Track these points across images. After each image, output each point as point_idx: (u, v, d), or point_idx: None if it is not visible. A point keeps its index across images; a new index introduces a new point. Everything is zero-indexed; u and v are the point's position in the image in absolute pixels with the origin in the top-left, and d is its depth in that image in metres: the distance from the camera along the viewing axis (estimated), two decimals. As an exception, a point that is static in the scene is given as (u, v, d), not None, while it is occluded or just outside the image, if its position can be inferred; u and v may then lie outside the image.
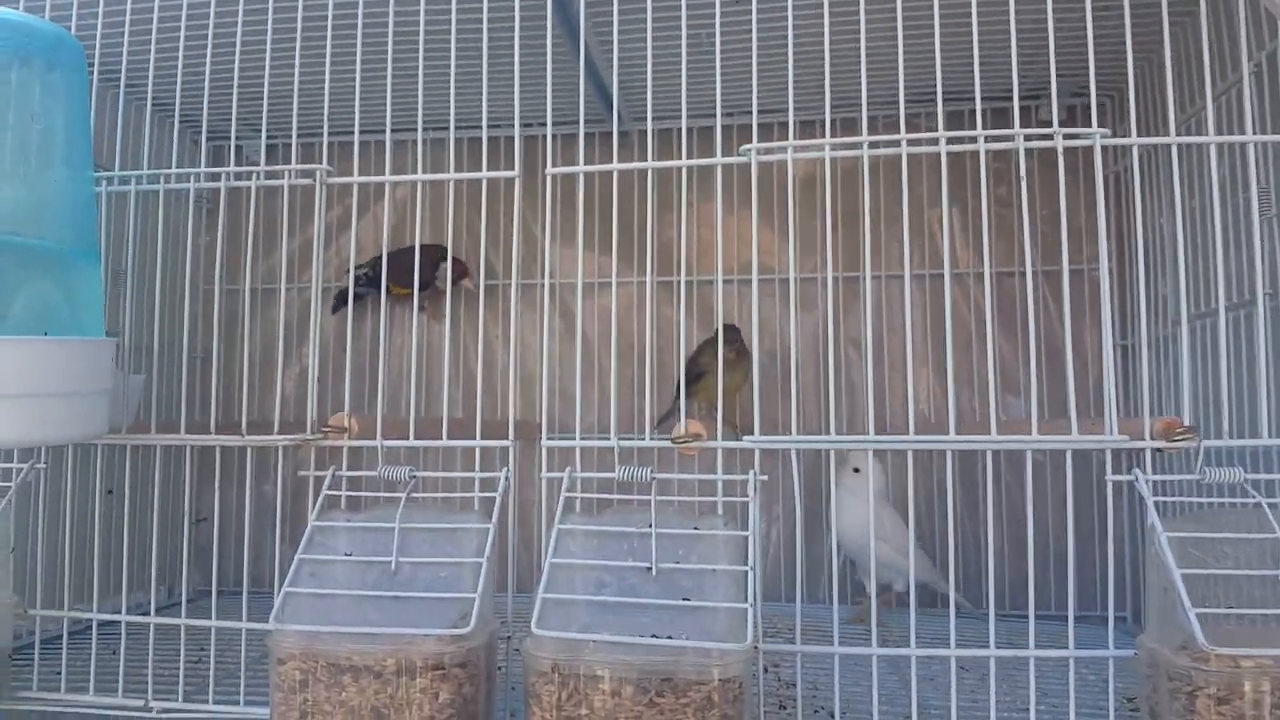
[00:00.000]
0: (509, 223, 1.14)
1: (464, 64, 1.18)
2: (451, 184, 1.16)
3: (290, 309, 1.75)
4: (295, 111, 1.18)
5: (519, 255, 1.17)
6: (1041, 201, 1.28)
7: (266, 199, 1.20)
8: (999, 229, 1.67)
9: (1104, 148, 1.06)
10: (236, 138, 1.24)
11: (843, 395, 1.72)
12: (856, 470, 1.50)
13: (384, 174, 1.18)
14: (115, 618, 1.14)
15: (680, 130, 1.15)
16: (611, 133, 1.12)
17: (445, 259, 1.64)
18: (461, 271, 1.68)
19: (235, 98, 1.19)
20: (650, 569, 0.96)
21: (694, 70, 1.13)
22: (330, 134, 1.24)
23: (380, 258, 1.73)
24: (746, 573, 0.95)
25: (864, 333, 1.66)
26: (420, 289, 1.61)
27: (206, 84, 1.21)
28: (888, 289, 1.78)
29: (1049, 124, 1.06)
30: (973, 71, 1.06)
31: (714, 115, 1.10)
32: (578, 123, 1.12)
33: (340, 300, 1.80)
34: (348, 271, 1.73)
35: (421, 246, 1.27)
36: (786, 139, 1.08)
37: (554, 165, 1.15)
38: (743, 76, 1.17)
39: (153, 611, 1.13)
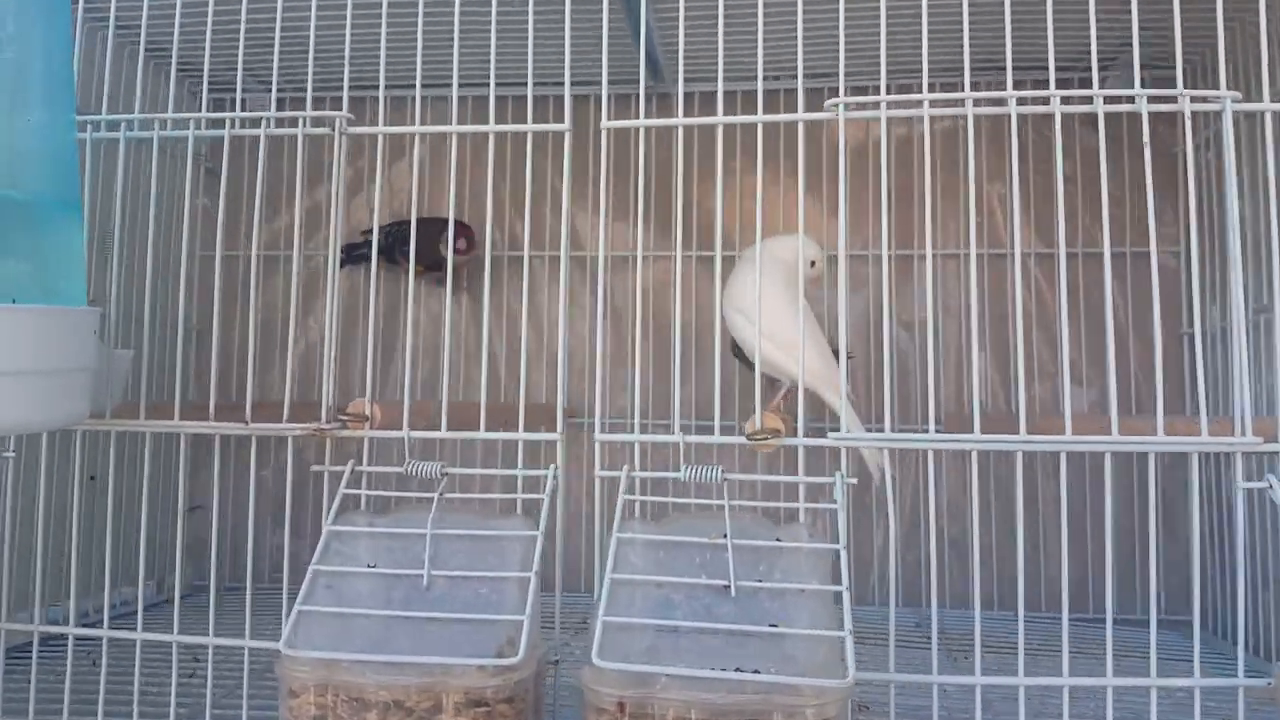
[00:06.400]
0: (542, 189, 0.99)
1: (504, 15, 1.03)
2: (492, 138, 1.01)
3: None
4: (311, 57, 1.02)
5: (568, 223, 1.01)
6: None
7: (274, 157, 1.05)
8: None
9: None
10: (244, 91, 1.08)
11: (894, 382, 1.58)
12: None
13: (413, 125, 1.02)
14: (96, 633, 0.99)
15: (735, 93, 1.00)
16: (654, 96, 0.99)
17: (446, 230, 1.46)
18: (467, 243, 1.47)
19: (242, 44, 1.04)
20: (729, 587, 0.82)
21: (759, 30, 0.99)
22: (351, 89, 1.07)
23: (395, 224, 1.58)
24: (841, 593, 0.81)
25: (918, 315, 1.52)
26: (432, 269, 1.46)
27: (209, 27, 1.06)
28: (942, 268, 1.64)
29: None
30: (1044, 35, 0.95)
31: (775, 78, 0.96)
32: (628, 82, 0.98)
33: (346, 256, 1.61)
34: (363, 234, 1.58)
35: (421, 221, 1.10)
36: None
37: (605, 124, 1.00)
38: (810, 38, 1.03)
39: (139, 625, 0.98)
